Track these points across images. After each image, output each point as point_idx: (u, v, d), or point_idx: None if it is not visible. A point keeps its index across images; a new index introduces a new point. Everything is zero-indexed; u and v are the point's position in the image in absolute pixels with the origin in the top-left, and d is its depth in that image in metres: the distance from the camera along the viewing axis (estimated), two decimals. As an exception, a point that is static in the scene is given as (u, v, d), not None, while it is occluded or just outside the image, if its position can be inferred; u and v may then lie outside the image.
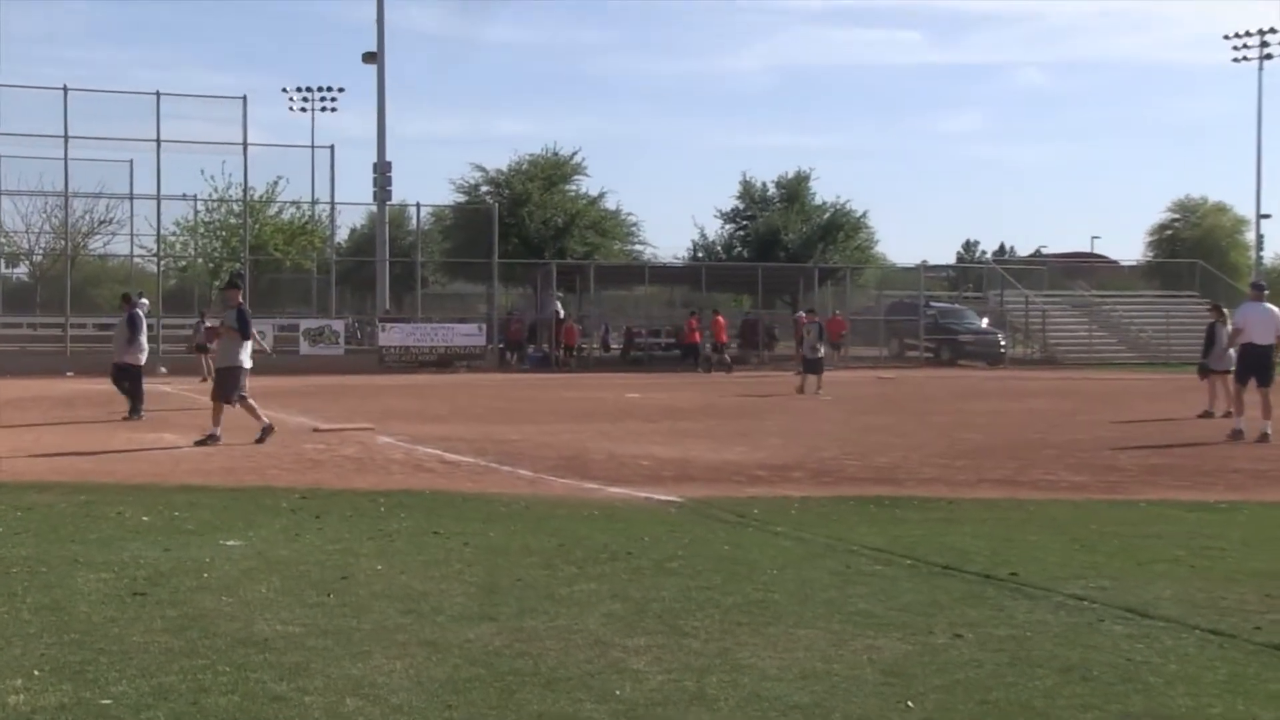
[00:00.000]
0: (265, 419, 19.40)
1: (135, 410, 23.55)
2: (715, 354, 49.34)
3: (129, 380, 24.06)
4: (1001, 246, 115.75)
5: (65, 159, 47.06)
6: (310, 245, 58.43)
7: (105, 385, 28.74)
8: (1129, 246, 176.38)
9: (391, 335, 47.94)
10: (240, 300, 19.79)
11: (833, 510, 12.95)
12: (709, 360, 48.55)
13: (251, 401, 19.52)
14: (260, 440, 18.96)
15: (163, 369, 37.72)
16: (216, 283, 59.93)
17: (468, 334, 49.09)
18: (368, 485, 14.59)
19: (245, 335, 19.36)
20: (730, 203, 65.50)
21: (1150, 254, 77.33)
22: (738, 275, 58.32)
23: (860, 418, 25.87)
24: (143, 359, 24.41)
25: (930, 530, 11.53)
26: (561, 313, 52.78)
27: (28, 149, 48.69)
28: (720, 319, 49.92)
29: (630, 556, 9.87)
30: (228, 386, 19.26)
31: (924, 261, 60.18)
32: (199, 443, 18.79)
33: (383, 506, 12.68)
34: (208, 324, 28.65)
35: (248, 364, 19.50)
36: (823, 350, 34.15)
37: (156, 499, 12.99)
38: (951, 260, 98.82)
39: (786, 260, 58.47)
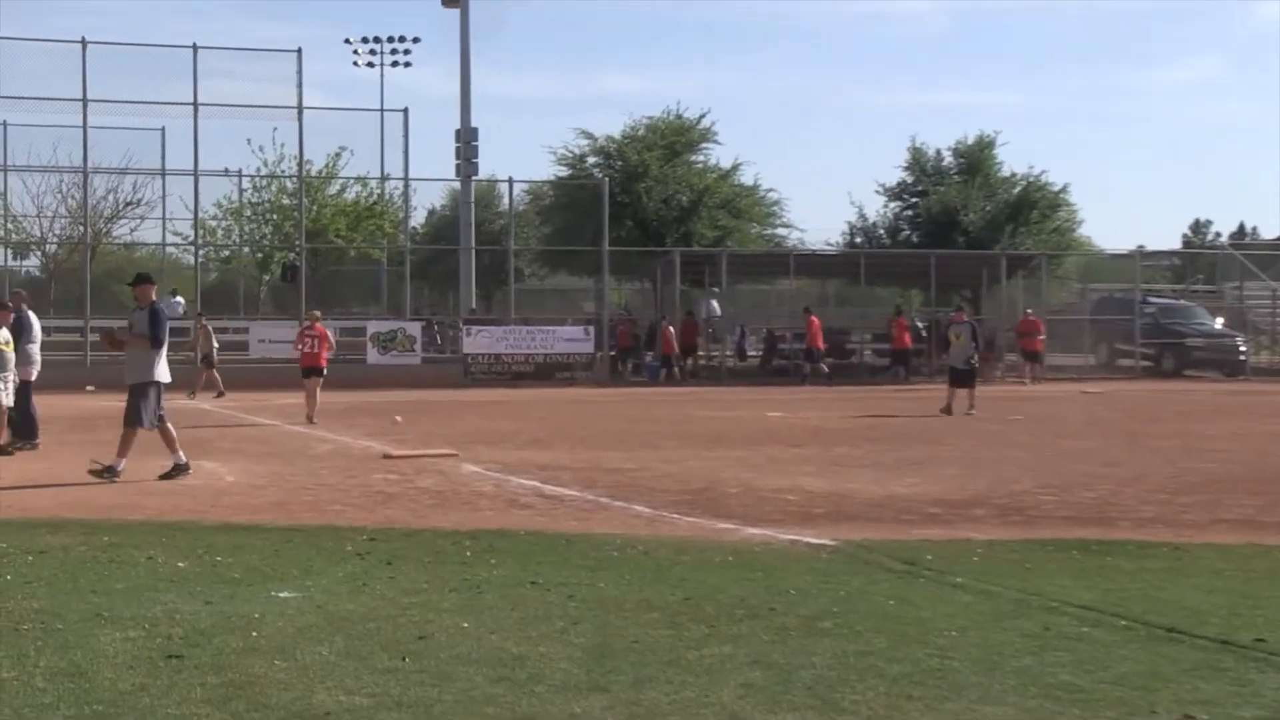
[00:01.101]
0: (182, 454, 19.12)
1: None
2: (811, 362, 49.36)
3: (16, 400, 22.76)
4: (1241, 227, 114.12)
5: (84, 127, 47.92)
6: (379, 230, 59.01)
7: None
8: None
9: (479, 340, 48.31)
10: (154, 298, 19.63)
11: (1026, 557, 12.84)
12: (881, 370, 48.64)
13: (170, 426, 19.29)
14: (169, 475, 18.69)
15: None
16: (266, 276, 60.83)
17: (572, 339, 49.33)
18: (450, 524, 14.71)
19: (157, 343, 19.06)
20: (895, 175, 65.06)
21: None
22: (905, 265, 57.92)
23: (1060, 442, 25.61)
24: (34, 373, 23.35)
25: (1150, 583, 11.39)
26: (719, 313, 52.82)
27: (39, 115, 49.61)
28: (815, 319, 49.75)
29: (773, 613, 9.85)
30: (140, 407, 18.98)
31: (1140, 247, 59.62)
32: (98, 473, 18.57)
33: (468, 550, 12.77)
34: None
35: (165, 378, 19.38)
36: (976, 359, 33.73)
37: (194, 541, 13.19)
38: (1176, 245, 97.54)
39: (966, 246, 57.96)
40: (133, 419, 19.04)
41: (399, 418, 28.55)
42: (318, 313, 33.68)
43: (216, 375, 39.41)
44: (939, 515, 15.92)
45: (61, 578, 11.11)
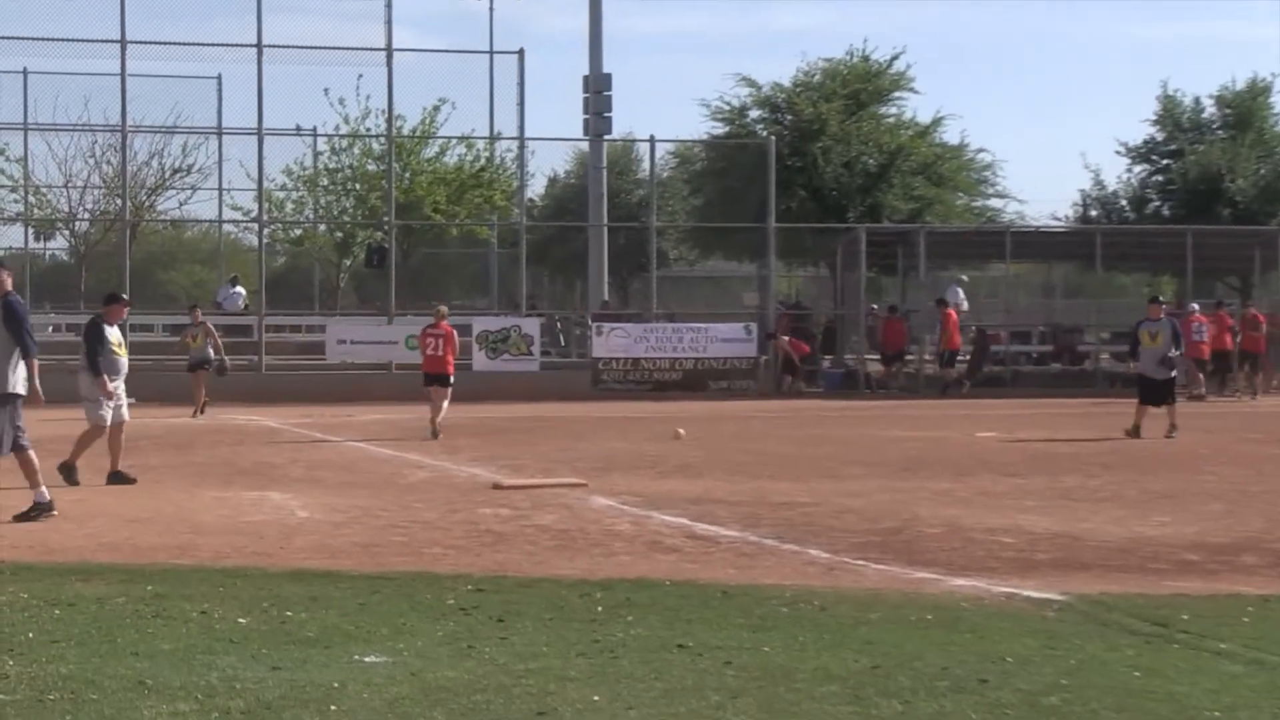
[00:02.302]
0: (45, 490, 18.46)
1: None
2: (944, 368, 49.19)
3: None
4: None
5: (122, 75, 48.20)
6: (488, 204, 59.13)
7: (179, 419, 29.61)
8: None
9: (612, 342, 48.41)
10: (9, 290, 18.79)
11: (1312, 618, 12.71)
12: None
13: (32, 454, 18.58)
14: (27, 516, 18.04)
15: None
16: (347, 261, 61.30)
17: (729, 339, 49.27)
18: (577, 572, 14.79)
19: (25, 349, 18.40)
20: (1142, 131, 64.57)
21: None
22: (1154, 245, 57.06)
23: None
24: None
25: None
26: (965, 305, 52.64)
27: (68, 62, 50.25)
28: (952, 313, 49.29)
29: (985, 686, 9.83)
30: None
31: None
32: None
33: (600, 605, 12.83)
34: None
35: (21, 389, 18.53)
36: (1174, 368, 32.67)
37: (259, 591, 13.34)
38: None
39: (1233, 220, 57.26)
40: None
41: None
42: (444, 308, 33.63)
43: (202, 390, 37.77)
44: (1198, 564, 15.79)
45: (96, 636, 11.27)
